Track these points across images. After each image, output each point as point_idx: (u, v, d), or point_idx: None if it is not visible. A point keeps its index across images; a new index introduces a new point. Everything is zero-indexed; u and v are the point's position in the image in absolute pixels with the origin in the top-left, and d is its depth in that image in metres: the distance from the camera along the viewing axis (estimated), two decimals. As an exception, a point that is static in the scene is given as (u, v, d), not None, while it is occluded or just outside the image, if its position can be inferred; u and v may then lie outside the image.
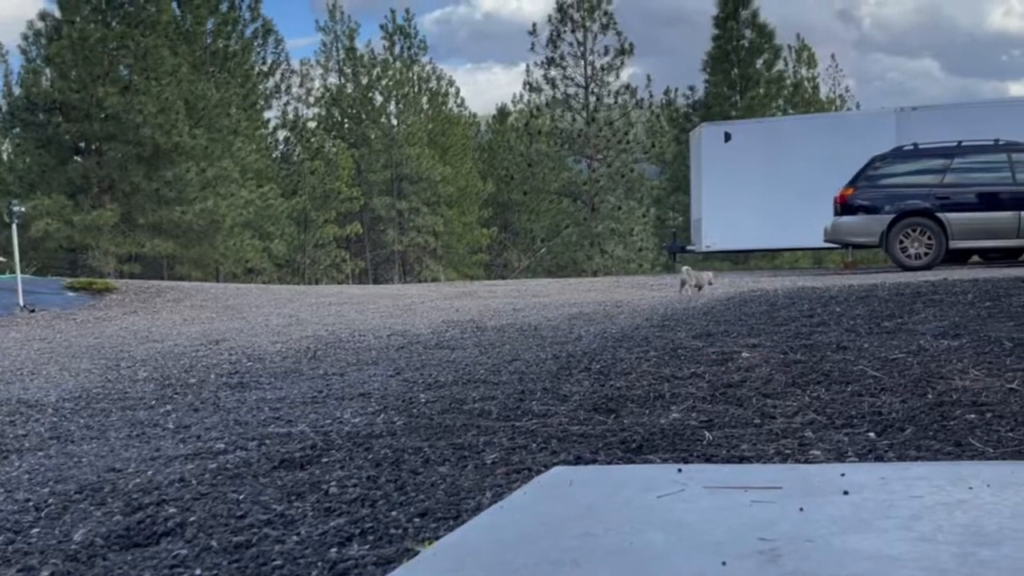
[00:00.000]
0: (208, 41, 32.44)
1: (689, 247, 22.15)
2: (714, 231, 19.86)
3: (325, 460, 2.72)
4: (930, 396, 3.03)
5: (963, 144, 14.57)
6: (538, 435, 2.85)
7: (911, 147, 15.08)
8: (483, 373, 4.47)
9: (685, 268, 11.20)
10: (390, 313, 9.67)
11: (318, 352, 5.95)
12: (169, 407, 4.08)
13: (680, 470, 2.16)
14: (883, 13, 75.20)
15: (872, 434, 2.61)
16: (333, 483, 2.44)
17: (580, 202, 35.81)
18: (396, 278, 37.11)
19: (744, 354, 4.45)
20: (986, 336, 4.47)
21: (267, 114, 35.81)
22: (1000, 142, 14.44)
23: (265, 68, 35.14)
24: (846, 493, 1.87)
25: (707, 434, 2.73)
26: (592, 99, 35.32)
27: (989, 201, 14.04)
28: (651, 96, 35.87)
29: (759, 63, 35.54)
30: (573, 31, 35.10)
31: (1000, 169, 14.08)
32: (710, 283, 10.68)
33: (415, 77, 38.84)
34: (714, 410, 3.10)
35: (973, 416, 2.70)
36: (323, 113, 38.41)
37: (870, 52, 72.33)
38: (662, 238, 32.72)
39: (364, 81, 37.89)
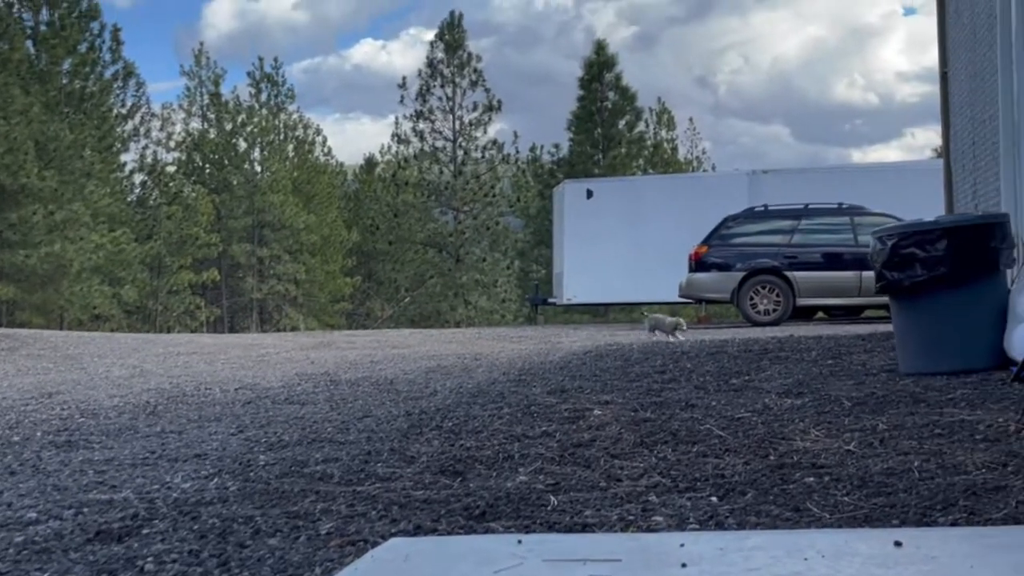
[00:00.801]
0: (64, 81, 31.23)
1: (551, 300, 22.40)
2: (575, 284, 20.14)
3: (146, 531, 2.53)
4: (772, 458, 3.06)
5: (809, 206, 15.25)
6: (379, 501, 2.73)
7: (761, 208, 15.70)
8: (331, 431, 4.32)
9: (651, 316, 11.47)
10: (241, 365, 9.34)
11: (158, 407, 5.65)
12: (-16, 469, 3.77)
13: (520, 541, 2.08)
14: (738, 80, 78.72)
15: (714, 498, 2.60)
16: (150, 559, 2.26)
17: (445, 253, 35.85)
18: (254, 327, 36.17)
19: (596, 411, 4.44)
20: (827, 395, 4.59)
21: (124, 157, 34.64)
22: (843, 205, 15.18)
23: (124, 111, 34.03)
24: (684, 566, 1.83)
25: (552, 499, 2.67)
26: (460, 152, 35.58)
27: (833, 261, 14.70)
28: (517, 152, 36.41)
29: (621, 124, 36.56)
30: (442, 86, 35.39)
31: (843, 231, 14.79)
32: (681, 329, 10.70)
33: (281, 125, 38.33)
34: (562, 472, 3.04)
35: (812, 479, 2.72)
36: (183, 158, 37.43)
37: (725, 117, 75.49)
38: (525, 290, 33.01)
39: (228, 127, 37.16)
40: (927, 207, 8.91)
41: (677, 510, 2.48)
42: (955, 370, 5.12)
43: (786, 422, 3.82)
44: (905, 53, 79.88)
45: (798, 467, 2.89)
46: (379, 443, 3.81)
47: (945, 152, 9.77)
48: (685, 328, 10.88)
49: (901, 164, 21.04)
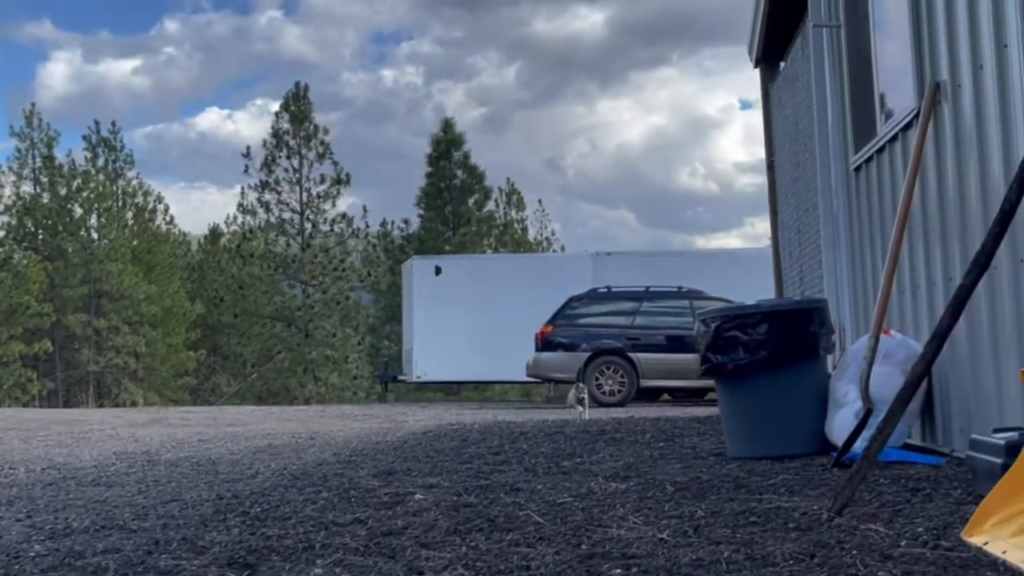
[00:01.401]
0: None
1: (400, 377, 22.10)
2: (425, 362, 19.95)
3: None
4: (584, 547, 2.95)
5: (651, 289, 15.61)
6: (155, 599, 2.47)
7: (605, 289, 15.97)
8: (127, 517, 3.99)
9: (579, 385, 11.32)
10: (60, 442, 8.75)
11: (-57, 491, 5.14)
12: None
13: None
14: (586, 164, 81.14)
15: (518, 592, 2.46)
16: None
17: (294, 327, 35.06)
18: (90, 401, 34.29)
19: (418, 495, 4.26)
20: (653, 479, 4.55)
21: (-54, 221, 32.69)
22: (683, 289, 15.59)
23: (-53, 172, 32.21)
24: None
25: (347, 595, 2.47)
26: (308, 225, 35.11)
27: (674, 343, 15.00)
28: (367, 226, 36.24)
29: (471, 202, 36.94)
30: (288, 157, 35.00)
31: (684, 314, 15.14)
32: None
33: (120, 191, 36.93)
34: (363, 564, 2.85)
35: (619, 571, 2.62)
36: (14, 222, 35.55)
37: (574, 200, 77.48)
38: (376, 366, 32.55)
39: (63, 192, 35.58)
40: (762, 293, 9.20)
41: (475, 607, 2.33)
42: (779, 455, 5.18)
43: (607, 507, 3.73)
44: (743, 144, 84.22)
45: (608, 557, 2.79)
46: (174, 531, 3.53)
47: (774, 239, 10.15)
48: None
49: (738, 250, 21.89)
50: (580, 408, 10.29)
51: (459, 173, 36.77)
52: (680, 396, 16.56)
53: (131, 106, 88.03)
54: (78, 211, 35.78)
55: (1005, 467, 3.08)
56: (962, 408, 4.82)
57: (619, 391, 14.97)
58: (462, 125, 47.70)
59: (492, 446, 6.71)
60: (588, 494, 4.14)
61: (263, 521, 3.70)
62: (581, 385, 11.34)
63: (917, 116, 5.07)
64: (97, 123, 36.63)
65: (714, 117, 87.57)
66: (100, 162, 36.32)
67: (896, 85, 5.60)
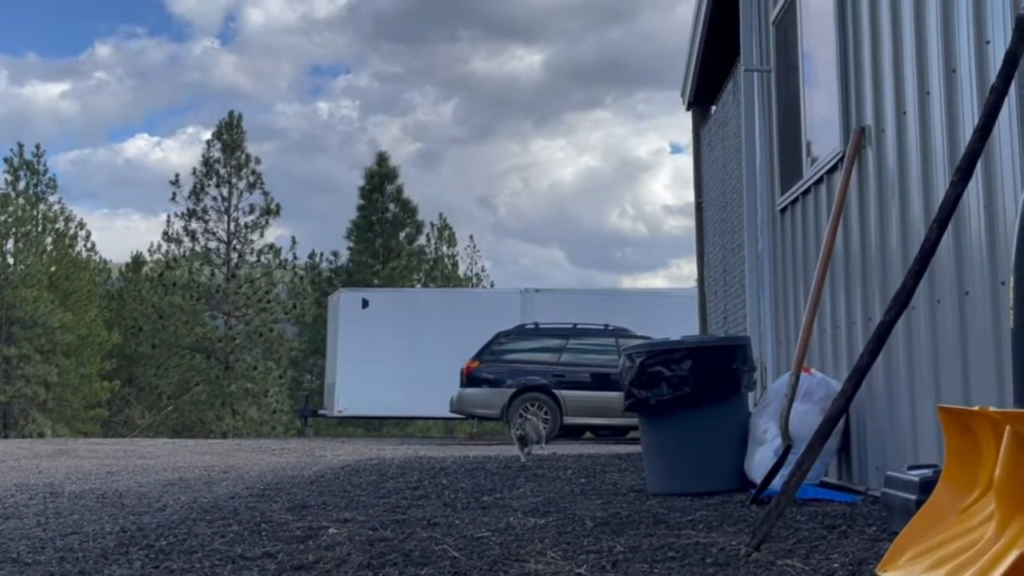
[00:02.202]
0: None
1: (321, 411, 21.76)
2: (347, 396, 19.66)
3: None
4: (500, 582, 2.87)
5: (578, 326, 15.65)
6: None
7: (532, 325, 15.97)
8: (23, 550, 3.79)
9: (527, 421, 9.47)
10: (-44, 473, 8.38)
11: None
12: None
13: None
14: (518, 203, 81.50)
15: (429, 628, 2.37)
16: None
17: (214, 359, 34.32)
18: (-5, 432, 33.05)
19: (332, 530, 4.13)
20: (572, 514, 4.48)
21: None
22: (610, 327, 15.66)
23: None
24: None
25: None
26: (234, 255, 34.55)
27: (599, 381, 15.03)
28: (295, 258, 35.77)
29: (402, 236, 36.76)
30: (218, 186, 34.48)
31: (609, 352, 15.19)
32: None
33: (40, 216, 35.92)
34: (269, 599, 2.73)
35: (535, 606, 2.54)
36: (-76, 244, 34.35)
37: (505, 237, 77.65)
38: (297, 400, 32.01)
39: (-21, 215, 34.51)
40: (687, 332, 9.24)
41: (383, 643, 2.23)
42: (699, 491, 5.16)
43: (525, 542, 3.66)
44: (671, 188, 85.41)
45: (524, 592, 2.71)
46: (71, 564, 3.35)
47: (700, 277, 10.26)
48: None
49: (665, 291, 22.11)
50: (524, 449, 8.56)
51: (391, 207, 36.61)
52: (603, 434, 16.58)
53: (57, 130, 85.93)
54: (-6, 235, 34.73)
55: (919, 503, 3.08)
56: (878, 446, 4.86)
57: (543, 428, 14.90)
58: (396, 159, 47.70)
59: (411, 481, 6.59)
60: (507, 529, 4.05)
61: (168, 554, 3.55)
62: (521, 420, 9.63)
63: (842, 159, 5.16)
64: (21, 146, 35.65)
65: (645, 160, 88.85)
66: (21, 185, 35.33)
67: (823, 129, 5.70)
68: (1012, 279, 2.76)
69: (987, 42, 3.67)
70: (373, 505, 5.13)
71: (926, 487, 3.21)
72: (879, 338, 3.37)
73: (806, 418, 4.86)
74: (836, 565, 3.01)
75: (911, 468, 3.61)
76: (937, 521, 2.74)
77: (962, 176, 3.26)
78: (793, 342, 5.88)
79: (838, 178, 5.20)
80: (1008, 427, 2.43)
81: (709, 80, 9.46)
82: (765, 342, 6.69)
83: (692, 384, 5.19)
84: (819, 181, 5.66)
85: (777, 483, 4.57)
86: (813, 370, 5.34)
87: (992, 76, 3.38)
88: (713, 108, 9.84)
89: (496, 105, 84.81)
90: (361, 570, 3.16)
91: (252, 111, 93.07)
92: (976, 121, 3.36)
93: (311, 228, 71.33)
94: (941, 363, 4.07)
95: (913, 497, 3.33)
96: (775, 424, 5.08)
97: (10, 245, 34.82)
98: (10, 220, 34.59)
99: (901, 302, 3.35)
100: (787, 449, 4.84)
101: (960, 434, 2.71)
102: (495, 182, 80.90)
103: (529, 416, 9.52)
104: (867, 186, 4.97)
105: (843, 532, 3.73)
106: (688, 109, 10.34)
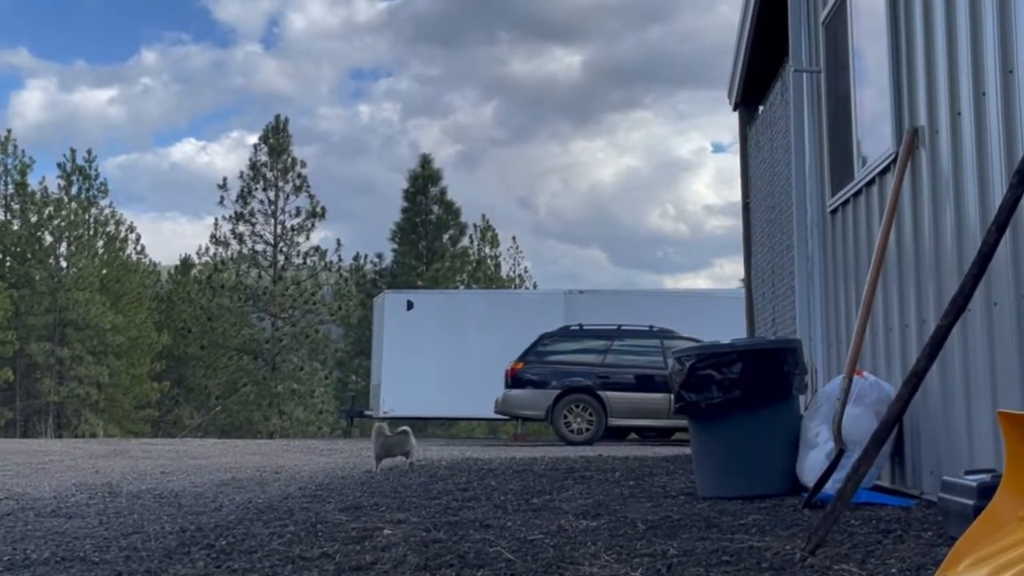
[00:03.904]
0: None
1: (367, 412, 21.89)
2: (393, 397, 19.75)
3: None
4: (557, 584, 2.90)
5: (622, 328, 15.60)
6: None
7: (577, 327, 15.94)
8: (88, 549, 3.88)
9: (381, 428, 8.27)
10: (17, 473, 8.58)
11: None
12: None
13: None
14: (558, 204, 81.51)
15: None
16: None
17: (261, 360, 34.72)
18: (49, 432, 33.67)
19: (386, 531, 4.19)
20: (624, 517, 4.49)
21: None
22: (654, 328, 15.60)
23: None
24: None
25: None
26: (281, 258, 34.92)
27: (644, 382, 14.97)
28: (340, 260, 36.10)
29: (445, 238, 36.92)
30: (265, 189, 34.90)
31: (654, 353, 15.13)
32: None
33: (92, 220, 36.57)
34: (330, 600, 2.78)
35: (593, 609, 2.56)
36: (-20, 250, 35.12)
37: (546, 238, 77.71)
38: (343, 401, 32.26)
39: (33, 219, 35.20)
40: (733, 333, 9.19)
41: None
42: (750, 494, 5.14)
43: (578, 545, 3.68)
44: (713, 188, 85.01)
45: (582, 595, 2.73)
46: (137, 563, 3.43)
47: (747, 279, 10.20)
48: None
49: (710, 291, 21.99)
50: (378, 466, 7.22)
51: (435, 208, 36.79)
52: (648, 435, 16.51)
53: (105, 135, 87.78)
54: (48, 239, 35.39)
55: (977, 509, 3.06)
56: (932, 449, 4.81)
57: (587, 429, 14.91)
58: (438, 162, 47.86)
59: (460, 482, 6.64)
60: (559, 531, 4.08)
61: (228, 554, 3.62)
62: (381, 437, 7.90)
63: (895, 160, 5.11)
64: (73, 151, 36.34)
65: (686, 159, 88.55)
66: (74, 190, 35.99)
67: (874, 130, 5.65)
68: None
69: (1045, 43, 3.63)
70: (424, 506, 5.18)
71: (984, 492, 3.19)
72: (936, 342, 3.35)
73: (859, 421, 4.83)
74: (894, 570, 3.00)
75: (968, 473, 3.58)
76: (997, 527, 2.72)
77: (1021, 179, 3.23)
78: (844, 344, 5.83)
79: (890, 179, 5.16)
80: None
81: (756, 80, 9.41)
82: (815, 344, 6.65)
83: (743, 387, 5.18)
84: (871, 182, 5.62)
85: (830, 487, 4.55)
86: (865, 373, 5.30)
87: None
88: (760, 108, 9.78)
89: (536, 106, 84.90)
90: (418, 571, 3.20)
91: (294, 115, 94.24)
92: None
93: (354, 230, 71.98)
94: (998, 366, 4.03)
95: (971, 502, 3.30)
96: (827, 427, 5.05)
97: (63, 249, 35.51)
98: (63, 224, 35.27)
99: (959, 305, 3.33)
100: (840, 453, 4.81)
101: (1021, 440, 2.69)
102: (535, 183, 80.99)
103: (387, 431, 7.82)
104: (920, 187, 4.92)
105: (899, 537, 3.71)
106: (735, 109, 10.29)
